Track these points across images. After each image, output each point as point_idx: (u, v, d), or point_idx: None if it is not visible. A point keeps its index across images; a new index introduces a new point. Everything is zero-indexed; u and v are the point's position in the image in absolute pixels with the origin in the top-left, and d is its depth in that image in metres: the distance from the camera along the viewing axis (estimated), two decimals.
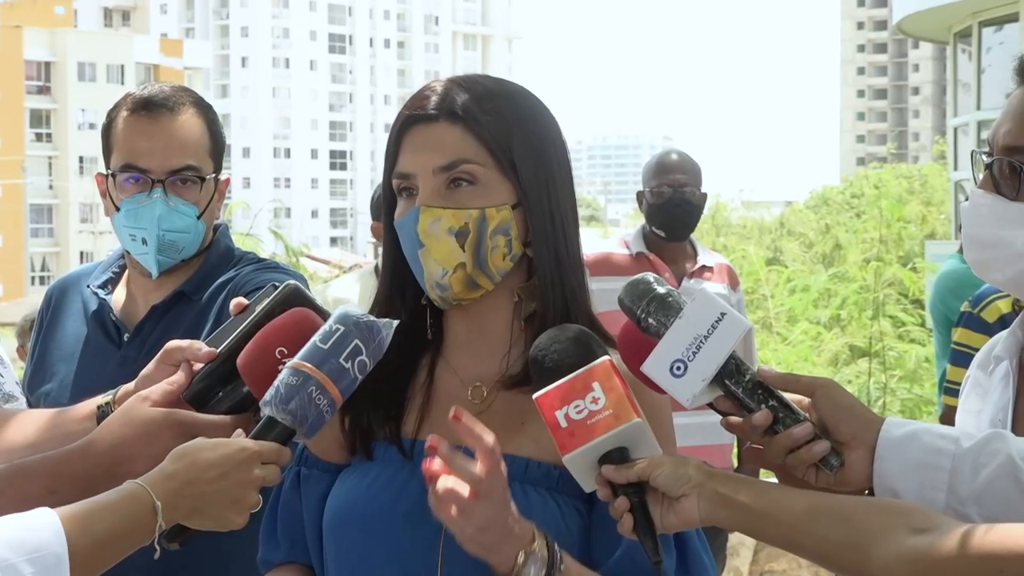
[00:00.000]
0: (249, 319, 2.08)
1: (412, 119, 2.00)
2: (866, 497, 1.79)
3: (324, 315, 2.02)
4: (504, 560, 1.82)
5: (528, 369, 1.92)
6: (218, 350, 2.08)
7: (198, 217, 2.85)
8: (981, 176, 1.97)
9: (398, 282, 2.06)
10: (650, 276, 1.90)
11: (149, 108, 2.84)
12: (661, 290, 1.87)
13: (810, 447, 1.80)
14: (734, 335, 1.82)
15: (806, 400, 1.85)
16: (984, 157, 1.96)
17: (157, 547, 1.77)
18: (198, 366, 2.12)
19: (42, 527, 1.68)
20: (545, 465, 1.95)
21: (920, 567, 1.63)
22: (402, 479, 1.97)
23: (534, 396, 1.83)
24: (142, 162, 2.82)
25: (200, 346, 2.11)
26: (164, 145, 2.83)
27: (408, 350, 2.05)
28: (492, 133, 1.97)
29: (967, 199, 2.00)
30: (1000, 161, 1.94)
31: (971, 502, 1.75)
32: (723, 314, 1.83)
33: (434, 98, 1.99)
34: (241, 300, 2.12)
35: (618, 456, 1.79)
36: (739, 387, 1.83)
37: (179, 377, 2.08)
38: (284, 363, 1.93)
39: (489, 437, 1.77)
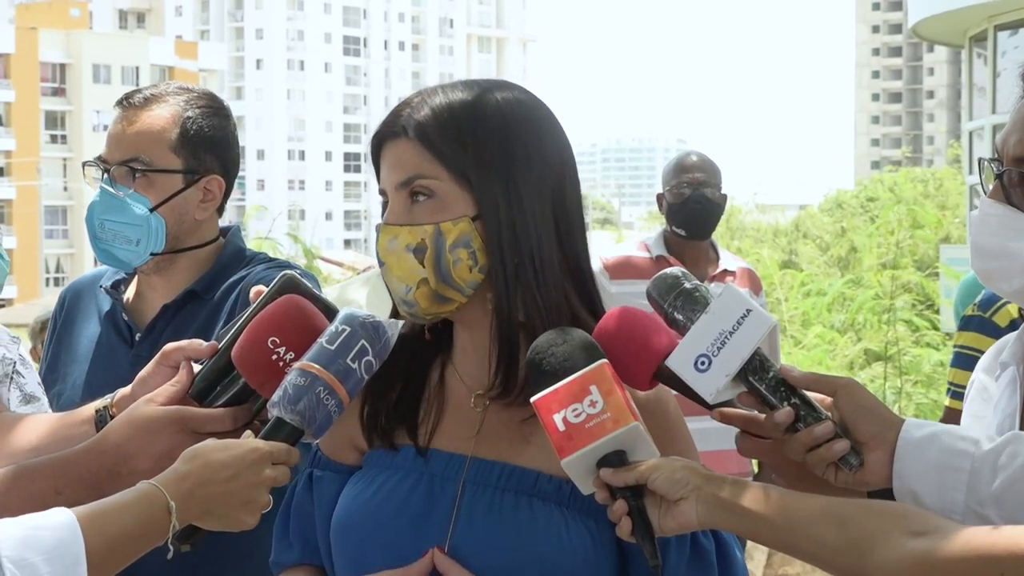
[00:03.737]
0: (248, 312, 2.08)
1: (382, 136, 2.00)
2: (865, 500, 1.79)
3: (320, 303, 2.02)
4: None
5: (510, 380, 1.94)
6: (220, 345, 2.09)
7: (151, 210, 2.80)
8: (991, 186, 1.96)
9: None
10: (678, 270, 1.90)
11: (123, 102, 2.86)
12: (689, 285, 1.87)
13: (830, 445, 1.80)
14: (759, 331, 1.82)
15: (828, 399, 1.85)
16: (993, 167, 1.95)
17: (171, 548, 1.78)
18: (197, 367, 2.12)
19: (60, 527, 1.68)
20: (556, 479, 1.92)
21: (919, 570, 1.63)
22: (408, 485, 1.96)
23: (532, 399, 1.83)
24: (102, 152, 2.83)
25: (199, 343, 2.11)
26: (119, 135, 2.82)
27: (423, 355, 2.05)
28: (445, 146, 1.95)
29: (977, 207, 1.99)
30: (1010, 172, 1.93)
31: (991, 503, 1.74)
32: (749, 310, 1.82)
33: (401, 114, 1.99)
34: (261, 287, 2.12)
35: (616, 459, 1.79)
36: (762, 384, 1.83)
37: (182, 376, 2.08)
38: (277, 352, 1.94)
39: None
